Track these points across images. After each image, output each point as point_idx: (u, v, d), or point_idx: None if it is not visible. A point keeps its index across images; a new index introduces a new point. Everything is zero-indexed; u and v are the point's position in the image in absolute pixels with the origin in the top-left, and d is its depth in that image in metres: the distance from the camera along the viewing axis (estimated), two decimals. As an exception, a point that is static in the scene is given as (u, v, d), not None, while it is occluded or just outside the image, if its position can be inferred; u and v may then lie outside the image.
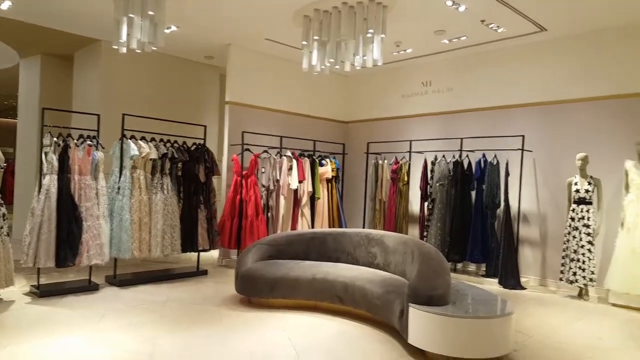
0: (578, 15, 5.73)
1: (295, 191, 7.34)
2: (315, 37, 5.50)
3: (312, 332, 4.16)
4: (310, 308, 4.80)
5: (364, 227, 8.03)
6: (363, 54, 5.21)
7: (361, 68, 5.60)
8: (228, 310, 4.72)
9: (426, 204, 7.27)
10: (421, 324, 3.55)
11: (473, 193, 6.81)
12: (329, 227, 7.66)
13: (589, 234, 5.72)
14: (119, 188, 5.55)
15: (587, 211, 5.78)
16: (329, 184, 7.85)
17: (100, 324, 4.13)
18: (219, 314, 4.59)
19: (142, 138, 5.82)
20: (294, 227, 7.29)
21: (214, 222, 6.48)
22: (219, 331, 4.09)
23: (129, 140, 5.67)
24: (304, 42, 5.66)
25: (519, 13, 5.66)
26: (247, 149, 7.14)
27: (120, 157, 5.64)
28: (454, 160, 6.96)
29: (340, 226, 7.83)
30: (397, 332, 3.94)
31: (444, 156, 7.07)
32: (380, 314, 4.20)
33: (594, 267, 5.69)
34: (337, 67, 5.72)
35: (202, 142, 6.49)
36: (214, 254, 7.38)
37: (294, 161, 7.26)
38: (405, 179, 7.52)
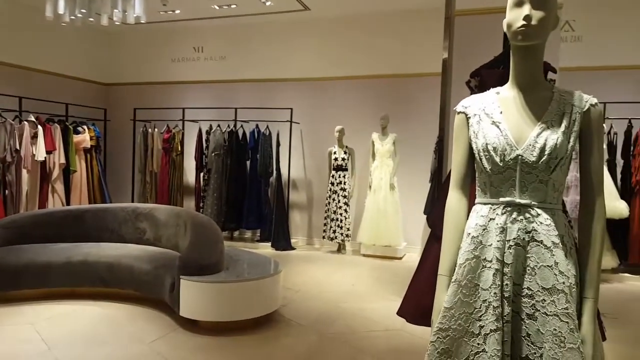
0: (336, -2, 6.27)
1: (43, 163, 6.26)
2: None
3: (69, 321, 3.66)
4: (67, 295, 4.20)
5: (132, 202, 7.44)
6: (123, 8, 4.67)
7: (122, 24, 5.04)
8: (-48, 312, 3.79)
9: (202, 174, 7.14)
10: (192, 295, 3.47)
11: (248, 162, 6.97)
12: (90, 203, 6.84)
13: (345, 197, 6.49)
14: None
15: (344, 177, 6.53)
16: (88, 155, 6.96)
17: None
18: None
19: None
20: (42, 206, 6.25)
21: None
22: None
23: None
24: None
25: (285, -12, 5.89)
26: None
27: None
28: (229, 130, 6.97)
29: (104, 201, 7.07)
30: (169, 307, 3.78)
31: (219, 126, 7.01)
32: (150, 291, 3.95)
33: (349, 224, 6.50)
34: (91, 19, 5.01)
35: None
36: None
37: (40, 128, 6.15)
38: (179, 148, 7.22)
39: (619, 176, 5.53)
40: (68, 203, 6.57)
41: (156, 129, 7.33)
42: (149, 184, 7.34)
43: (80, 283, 4.16)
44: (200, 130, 7.17)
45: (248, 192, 6.87)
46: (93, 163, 7.06)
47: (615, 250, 5.38)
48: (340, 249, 6.66)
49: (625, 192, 5.39)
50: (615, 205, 5.19)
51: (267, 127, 6.89)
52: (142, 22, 4.84)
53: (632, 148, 5.40)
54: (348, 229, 6.48)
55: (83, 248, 4.37)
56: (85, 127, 6.98)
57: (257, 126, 6.92)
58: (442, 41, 4.37)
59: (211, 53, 7.61)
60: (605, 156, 5.45)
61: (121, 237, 4.77)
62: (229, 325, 3.47)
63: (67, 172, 6.60)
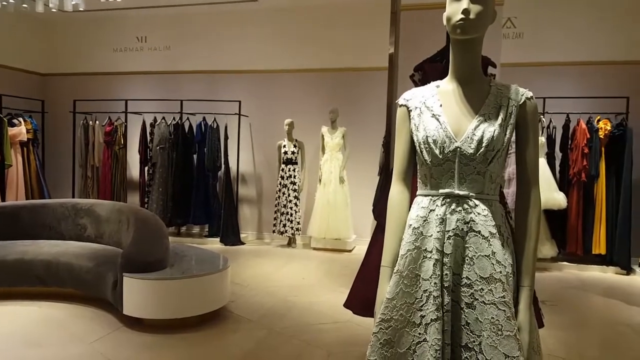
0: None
1: (-26, 158, 5.87)
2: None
3: (4, 322, 3.45)
4: (2, 296, 3.94)
5: (73, 197, 7.09)
6: (59, -6, 4.42)
7: (59, 11, 4.75)
8: None
9: (146, 168, 6.90)
10: (136, 292, 3.36)
11: (195, 156, 6.80)
12: (27, 199, 6.46)
13: (295, 190, 6.46)
14: None
15: (294, 170, 6.49)
16: (25, 149, 6.57)
17: None
18: None
19: None
20: (-25, 203, 5.85)
21: None
22: None
23: None
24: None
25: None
26: None
27: None
28: (175, 122, 6.76)
29: (42, 197, 6.70)
30: (112, 305, 3.63)
31: (164, 118, 6.79)
32: (91, 289, 3.80)
33: (299, 218, 6.48)
34: (25, 5, 4.71)
35: None
36: None
37: (-30, 120, 5.76)
38: (122, 142, 6.94)
39: (557, 169, 5.81)
40: (3, 199, 6.18)
41: (97, 122, 7.01)
42: (91, 179, 7.02)
43: (17, 282, 3.94)
44: (144, 123, 6.91)
45: (195, 187, 6.71)
46: (30, 157, 6.66)
47: (554, 240, 5.67)
48: (291, 242, 6.64)
49: (563, 184, 5.68)
50: (554, 196, 5.47)
51: (215, 119, 6.74)
52: (81, 9, 4.60)
53: (569, 142, 5.69)
54: (298, 223, 6.47)
55: (19, 246, 4.13)
56: (21, 119, 6.57)
57: (204, 119, 6.75)
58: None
59: (155, 43, 7.34)
60: (545, 149, 5.72)
61: (60, 234, 4.54)
62: (175, 323, 3.38)
63: (1, 166, 6.19)
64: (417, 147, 1.41)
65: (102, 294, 3.70)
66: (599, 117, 5.58)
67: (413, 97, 1.47)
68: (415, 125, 1.42)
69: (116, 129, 6.91)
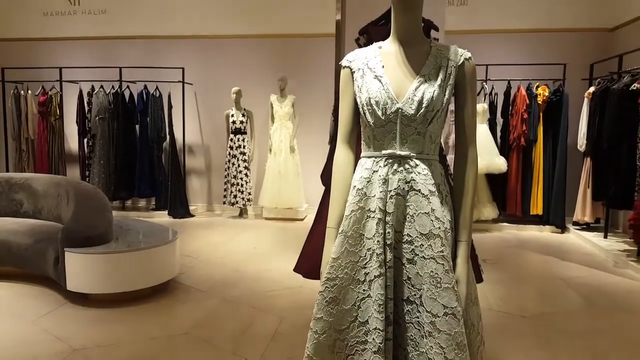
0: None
1: None
2: None
3: None
4: None
5: (7, 172, 6.68)
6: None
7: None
8: None
9: (85, 140, 6.57)
10: (80, 268, 3.25)
11: (137, 127, 6.53)
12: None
13: (245, 161, 6.37)
14: None
15: (243, 140, 6.39)
16: (-51, 121, 6.10)
17: None
18: None
19: None
20: None
21: None
22: None
23: None
24: None
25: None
26: None
27: None
28: (114, 91, 6.45)
29: (-28, 173, 6.27)
30: (55, 282, 3.50)
31: (102, 87, 6.44)
32: (32, 266, 3.64)
33: (250, 188, 6.43)
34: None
35: None
36: None
37: None
38: (58, 112, 6.56)
39: (498, 134, 6.04)
40: None
41: (30, 91, 6.57)
42: (26, 152, 6.62)
43: (-54, 264, 3.70)
44: (80, 92, 6.53)
45: (139, 159, 6.47)
46: (-46, 130, 6.19)
47: (495, 202, 5.93)
48: (242, 213, 6.59)
49: (504, 149, 5.92)
50: (495, 161, 5.70)
51: (157, 88, 6.46)
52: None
53: (510, 108, 5.90)
54: (249, 194, 6.42)
55: (-56, 226, 3.86)
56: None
57: (145, 87, 6.47)
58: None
59: (89, 6, 6.88)
60: (487, 116, 5.91)
61: (-8, 211, 4.28)
62: (122, 297, 3.31)
63: None
64: (361, 109, 1.41)
65: (44, 271, 3.56)
66: (538, 84, 5.80)
67: (356, 58, 1.46)
68: (358, 86, 1.42)
69: (51, 98, 6.51)
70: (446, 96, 1.36)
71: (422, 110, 1.33)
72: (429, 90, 1.33)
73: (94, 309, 3.22)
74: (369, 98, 1.37)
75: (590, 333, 2.99)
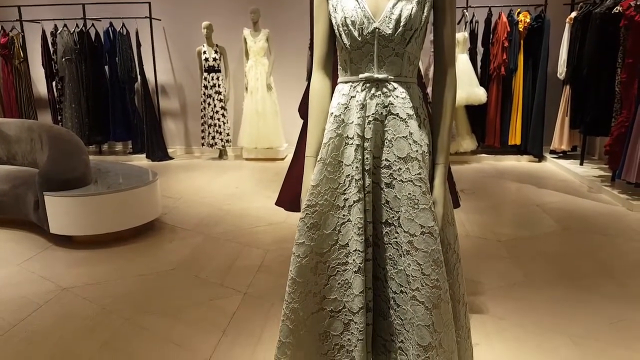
0: None
1: None
2: None
3: None
4: None
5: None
6: None
7: None
8: None
9: (54, 83, 6.32)
10: (61, 211, 3.23)
11: (107, 68, 6.28)
12: None
13: (221, 100, 6.22)
14: None
15: (218, 79, 6.19)
16: None
17: None
18: None
19: None
20: None
21: None
22: None
23: None
24: None
25: None
26: None
27: None
28: (79, 30, 6.12)
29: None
30: (38, 226, 3.49)
31: (65, 25, 6.10)
32: (12, 212, 3.63)
33: (228, 129, 6.33)
34: None
35: None
36: None
37: None
38: (22, 55, 6.24)
39: (479, 64, 5.97)
40: None
41: (-12, 33, 6.20)
42: (-8, 98, 6.36)
43: None
44: (44, 32, 6.20)
45: (111, 101, 6.27)
46: None
47: (474, 134, 5.97)
48: (222, 155, 6.53)
49: (484, 79, 5.87)
50: (475, 91, 5.67)
51: (123, 25, 6.14)
52: None
53: (491, 36, 5.80)
54: (228, 134, 6.32)
55: None
56: None
57: (111, 24, 6.14)
58: None
59: (44, -64, 6.37)
60: (468, 45, 5.81)
61: (-37, 159, 4.17)
62: (107, 237, 3.33)
63: None
64: (336, 30, 1.36)
65: (25, 216, 3.55)
66: (519, 10, 5.69)
67: (330, -24, 1.38)
68: (333, 6, 1.36)
69: (12, 40, 6.16)
70: (425, 14, 1.32)
71: (400, 29, 1.29)
72: (407, 7, 1.29)
73: (80, 251, 3.24)
74: (345, 18, 1.32)
75: (565, 255, 3.13)
